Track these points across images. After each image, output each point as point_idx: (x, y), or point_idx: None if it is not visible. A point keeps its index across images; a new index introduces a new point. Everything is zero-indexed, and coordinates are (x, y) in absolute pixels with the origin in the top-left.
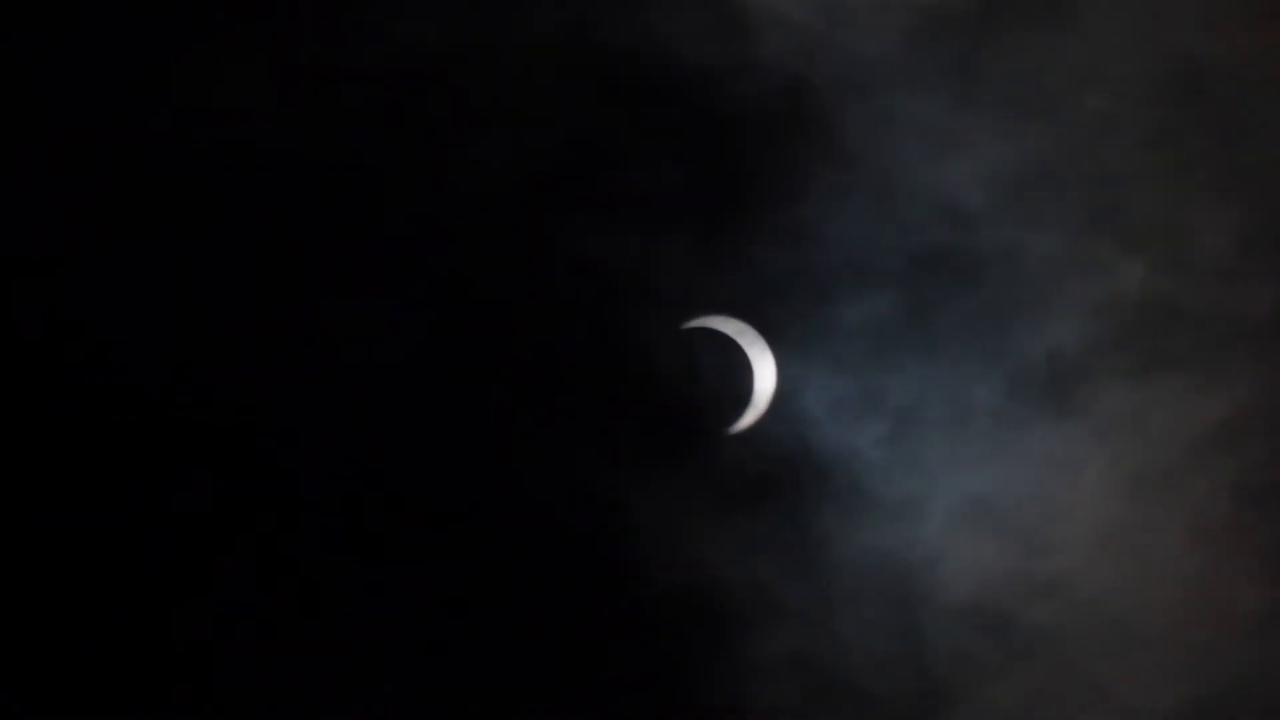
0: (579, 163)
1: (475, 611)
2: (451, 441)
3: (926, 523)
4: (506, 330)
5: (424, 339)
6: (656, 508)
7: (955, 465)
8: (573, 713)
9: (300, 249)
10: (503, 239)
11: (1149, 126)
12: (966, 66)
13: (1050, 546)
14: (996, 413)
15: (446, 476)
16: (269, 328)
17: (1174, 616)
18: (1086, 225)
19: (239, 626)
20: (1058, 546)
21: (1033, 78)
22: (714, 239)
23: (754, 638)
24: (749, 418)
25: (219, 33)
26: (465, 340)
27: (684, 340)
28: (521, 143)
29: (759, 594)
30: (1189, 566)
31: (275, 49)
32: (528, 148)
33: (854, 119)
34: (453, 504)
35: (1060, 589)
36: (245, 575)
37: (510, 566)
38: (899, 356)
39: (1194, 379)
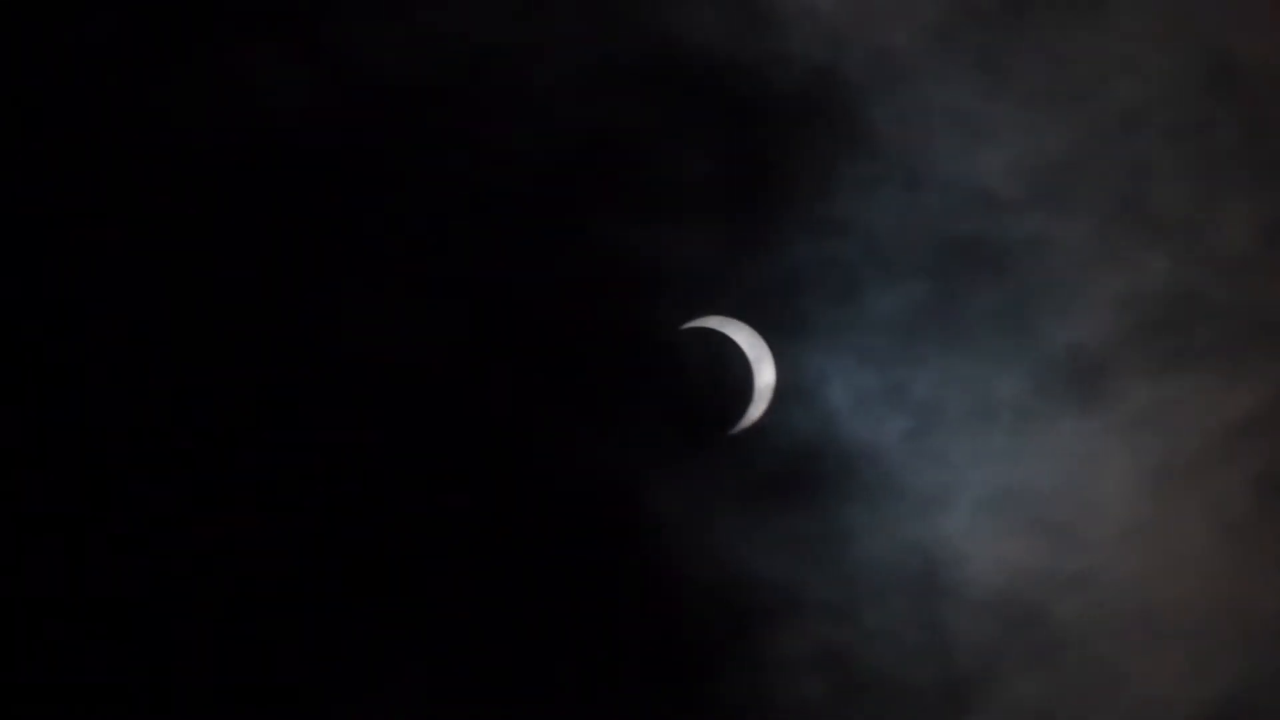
0: (607, 155)
1: (500, 607)
2: (474, 435)
3: (952, 516)
4: (532, 323)
5: (449, 332)
6: (681, 503)
7: (980, 459)
8: (598, 708)
9: (326, 241)
10: (530, 232)
11: (1176, 119)
12: (994, 57)
13: (1076, 540)
14: (1022, 406)
15: (469, 470)
16: (296, 319)
17: (1199, 610)
18: (1112, 217)
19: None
20: (1083, 540)
21: (1060, 69)
22: (742, 231)
23: (779, 632)
24: (750, 418)
25: (251, 25)
26: (490, 333)
27: (685, 341)
28: (548, 136)
29: (784, 588)
30: (1214, 560)
31: (306, 41)
32: (555, 141)
33: (882, 110)
34: (475, 498)
35: (1086, 582)
36: (282, 569)
37: (535, 562)
38: (925, 349)
39: (1219, 373)
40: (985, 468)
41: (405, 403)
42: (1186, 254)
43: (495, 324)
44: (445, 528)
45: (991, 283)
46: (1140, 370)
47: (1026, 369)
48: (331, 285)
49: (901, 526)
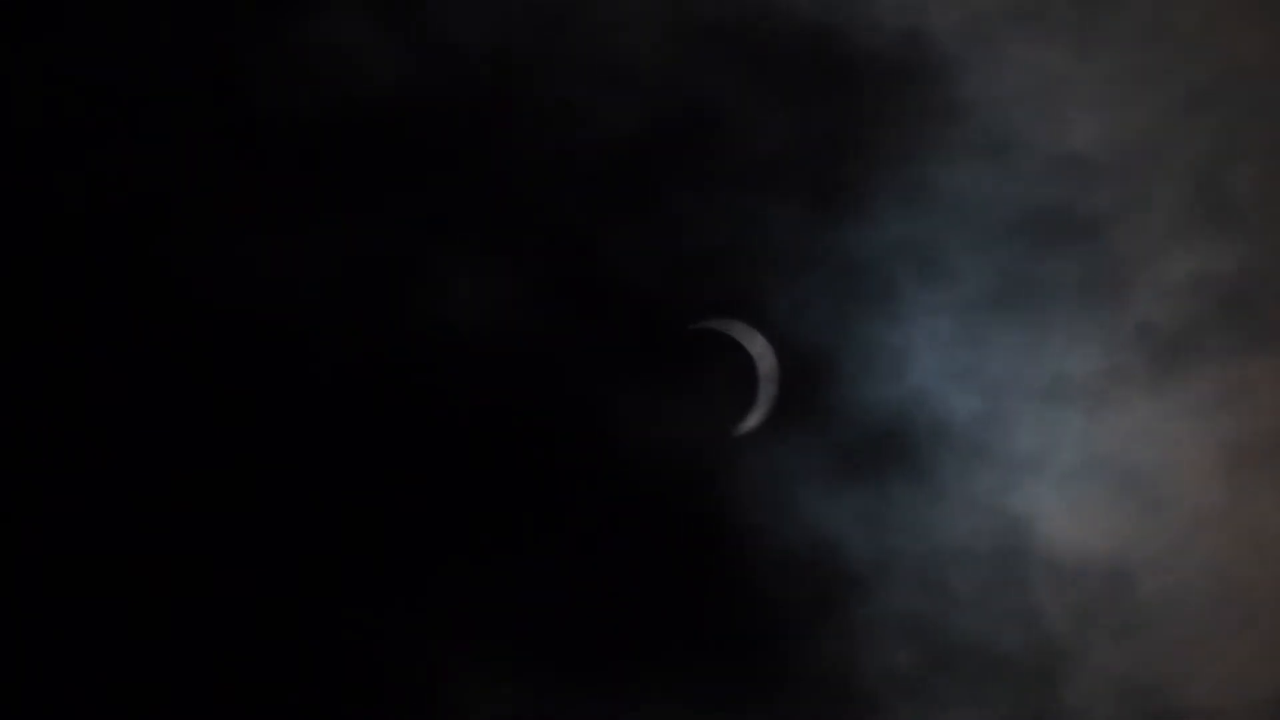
0: (691, 124)
1: (590, 578)
2: (559, 406)
3: (1036, 488)
4: (618, 291)
5: (536, 300)
6: (770, 473)
7: (1061, 432)
8: (687, 675)
9: (411, 211)
10: (616, 201)
11: (1257, 99)
12: (1084, 26)
13: (1156, 517)
14: (1105, 378)
15: (553, 436)
16: (381, 279)
17: (1277, 588)
18: (1192, 195)
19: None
20: (1173, 509)
21: (1143, 45)
22: (827, 198)
23: (867, 599)
24: (754, 419)
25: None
26: (575, 298)
27: (688, 342)
28: (635, 104)
29: (872, 555)
30: None
31: (395, 14)
32: (641, 109)
33: (969, 74)
34: (563, 471)
35: (1165, 559)
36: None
37: (623, 532)
38: (1010, 318)
39: None
40: (1066, 441)
41: (492, 371)
42: (1264, 236)
43: (581, 293)
44: (531, 499)
45: (1073, 255)
46: (1219, 348)
47: (1110, 343)
48: (418, 254)
49: (988, 496)
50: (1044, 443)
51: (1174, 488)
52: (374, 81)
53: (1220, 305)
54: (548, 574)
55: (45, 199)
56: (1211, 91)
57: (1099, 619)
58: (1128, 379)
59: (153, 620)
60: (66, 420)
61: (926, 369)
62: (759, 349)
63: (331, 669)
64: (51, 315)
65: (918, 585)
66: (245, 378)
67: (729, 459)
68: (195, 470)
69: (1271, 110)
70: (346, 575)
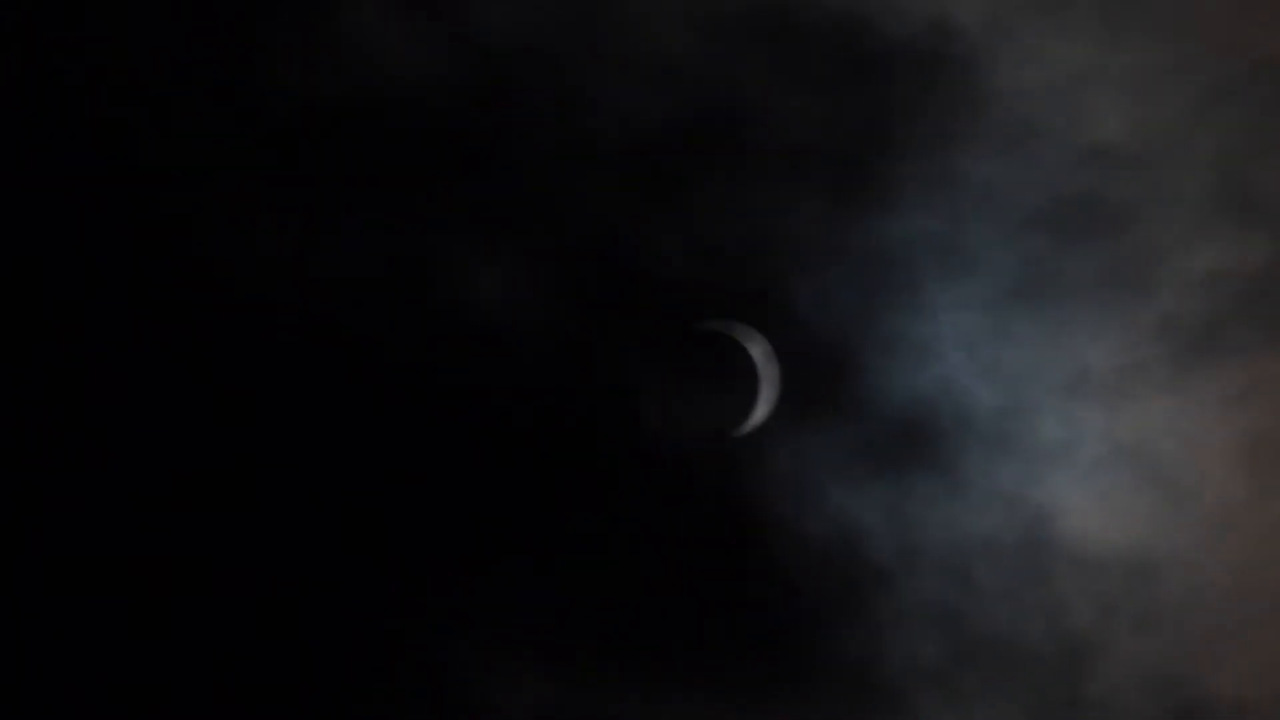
0: (719, 113)
1: (613, 572)
2: (582, 394)
3: (1063, 477)
4: (643, 279)
5: (559, 288)
6: (795, 463)
7: (1086, 423)
8: (714, 667)
9: (438, 201)
10: (642, 193)
11: None
12: (1105, 21)
13: (1189, 503)
14: (1127, 370)
15: (577, 421)
16: (403, 267)
17: None
18: (1215, 192)
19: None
20: (1196, 502)
21: (1169, 38)
22: (852, 189)
23: (892, 591)
24: (755, 420)
25: None
26: (597, 287)
27: (690, 344)
28: (661, 96)
29: (896, 548)
30: None
31: (422, 4)
32: (667, 101)
33: (995, 66)
34: (586, 453)
35: (1196, 547)
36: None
37: (651, 525)
38: (1031, 312)
39: None
40: (1090, 434)
41: (519, 361)
42: None
43: (606, 282)
44: (558, 492)
45: (1097, 249)
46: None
47: (1133, 336)
48: (440, 248)
49: (1011, 489)
50: (1067, 436)
51: (1197, 481)
52: (400, 75)
53: (1243, 299)
54: (575, 567)
55: (69, 191)
56: (1237, 85)
57: (1122, 611)
58: (1151, 372)
59: (191, 618)
60: (94, 414)
61: (951, 361)
62: (760, 350)
63: (358, 665)
64: (78, 307)
65: (942, 577)
66: (270, 370)
67: (753, 452)
68: (222, 466)
69: None
70: (371, 571)
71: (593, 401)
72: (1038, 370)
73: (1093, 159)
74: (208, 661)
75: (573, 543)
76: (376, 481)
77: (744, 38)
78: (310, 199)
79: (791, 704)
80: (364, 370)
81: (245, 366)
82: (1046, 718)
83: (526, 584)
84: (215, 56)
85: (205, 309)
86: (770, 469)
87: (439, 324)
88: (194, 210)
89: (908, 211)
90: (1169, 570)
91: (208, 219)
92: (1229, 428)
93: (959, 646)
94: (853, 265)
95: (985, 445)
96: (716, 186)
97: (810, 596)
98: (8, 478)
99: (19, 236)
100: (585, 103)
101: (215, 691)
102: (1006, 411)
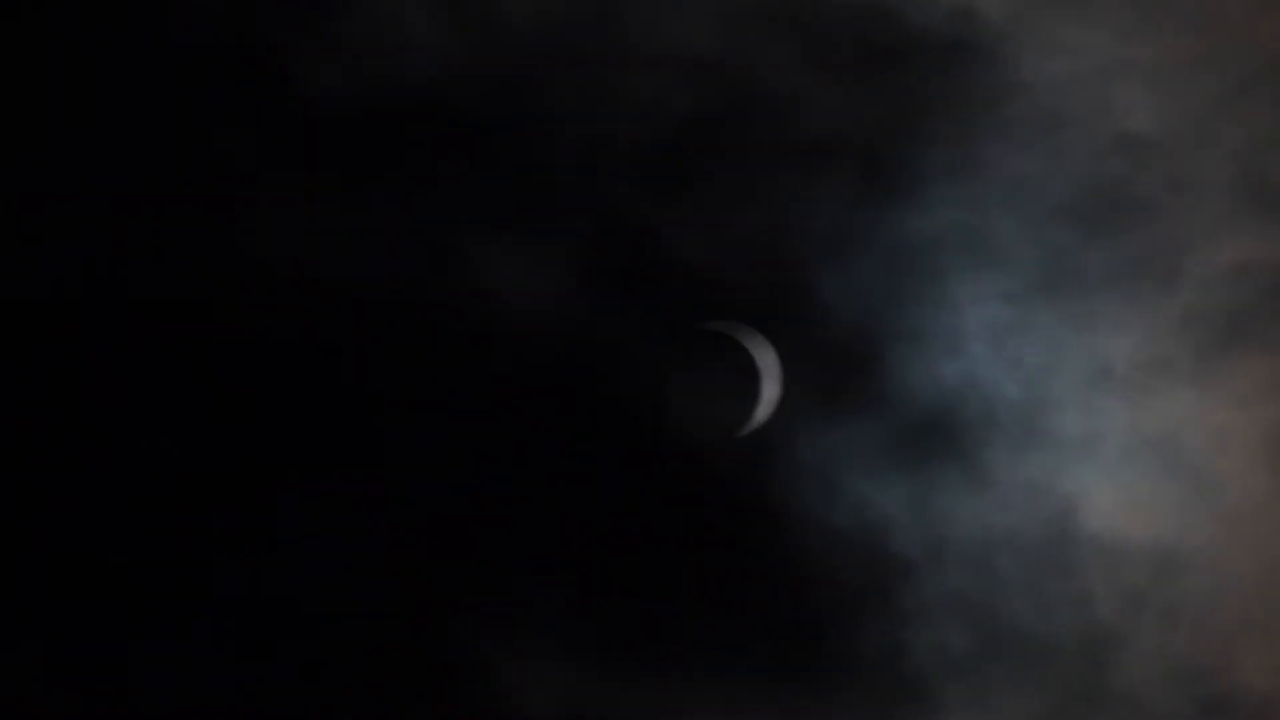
0: (742, 102)
1: (637, 564)
2: (603, 386)
3: (1087, 469)
4: (666, 267)
5: (585, 283)
6: (820, 453)
7: (1113, 414)
8: (739, 658)
9: (453, 188)
10: (665, 181)
11: None
12: (1131, 12)
13: (1213, 495)
14: (1157, 361)
15: (599, 415)
16: (422, 261)
17: None
18: (1240, 185)
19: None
20: (1220, 494)
21: (1195, 30)
22: (877, 179)
23: (917, 583)
24: (756, 420)
25: None
26: (618, 278)
27: (691, 345)
28: (685, 85)
29: (920, 539)
30: None
31: None
32: (691, 90)
33: (1020, 56)
34: (610, 452)
35: (1220, 540)
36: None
37: (675, 518)
38: (1055, 304)
39: None
40: (1114, 426)
41: (536, 355)
42: None
43: (623, 268)
44: (582, 487)
45: (1122, 241)
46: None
47: (1157, 329)
48: (463, 236)
49: (1036, 480)
50: (1092, 428)
51: (1222, 473)
52: (421, 65)
53: (1268, 292)
54: (597, 561)
55: (89, 187)
56: (1263, 78)
57: (1147, 603)
58: (1176, 365)
59: (204, 618)
60: (115, 412)
61: (975, 354)
62: (760, 351)
63: (379, 661)
64: (92, 306)
65: (966, 570)
66: (290, 364)
67: (778, 446)
68: (240, 461)
69: None
70: (390, 567)
71: (616, 395)
72: (1062, 363)
73: (1118, 151)
74: (226, 662)
75: (595, 536)
76: (394, 478)
77: (767, 29)
78: (327, 192)
79: (817, 696)
80: (377, 365)
81: (265, 361)
82: (1071, 710)
83: (547, 578)
84: (237, 50)
85: (227, 302)
86: (794, 462)
87: (454, 317)
88: (218, 203)
89: (932, 203)
90: (1194, 562)
91: (233, 211)
92: (1254, 420)
93: (984, 639)
94: (877, 257)
95: (1010, 438)
96: (740, 178)
97: (835, 589)
98: (8, 478)
99: (24, 237)
100: (607, 95)
101: (236, 691)
102: (1031, 404)
